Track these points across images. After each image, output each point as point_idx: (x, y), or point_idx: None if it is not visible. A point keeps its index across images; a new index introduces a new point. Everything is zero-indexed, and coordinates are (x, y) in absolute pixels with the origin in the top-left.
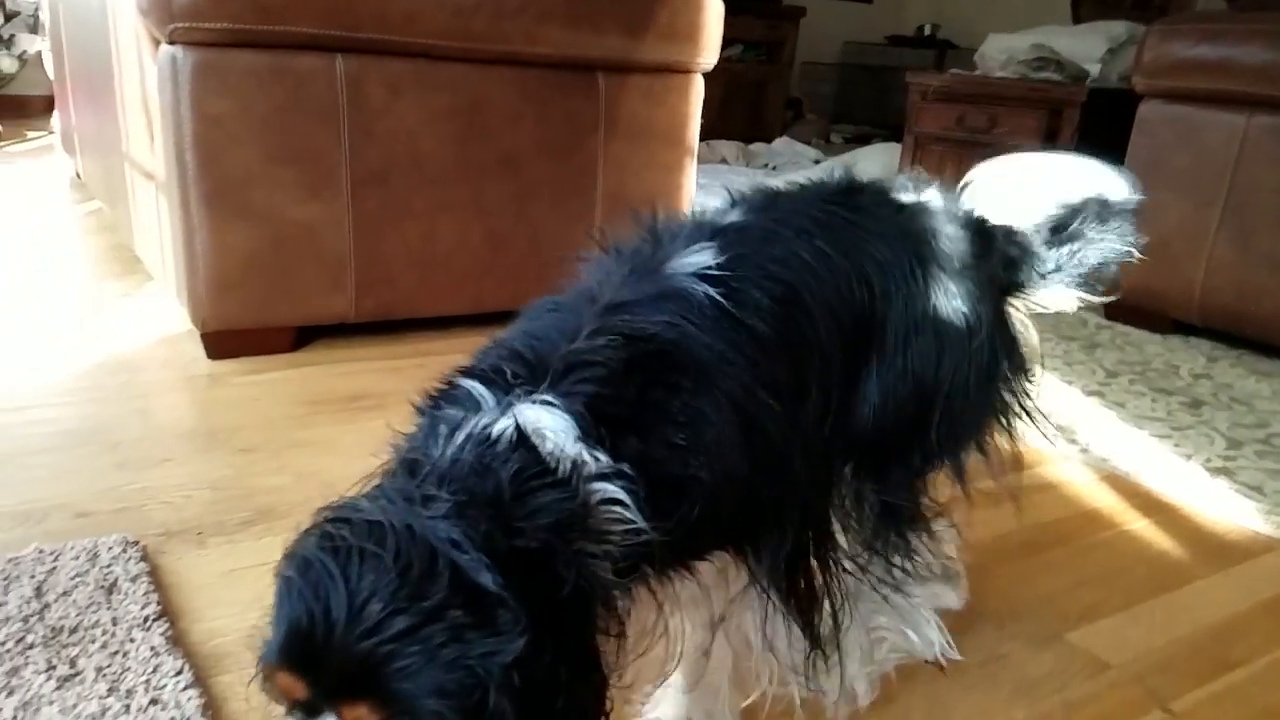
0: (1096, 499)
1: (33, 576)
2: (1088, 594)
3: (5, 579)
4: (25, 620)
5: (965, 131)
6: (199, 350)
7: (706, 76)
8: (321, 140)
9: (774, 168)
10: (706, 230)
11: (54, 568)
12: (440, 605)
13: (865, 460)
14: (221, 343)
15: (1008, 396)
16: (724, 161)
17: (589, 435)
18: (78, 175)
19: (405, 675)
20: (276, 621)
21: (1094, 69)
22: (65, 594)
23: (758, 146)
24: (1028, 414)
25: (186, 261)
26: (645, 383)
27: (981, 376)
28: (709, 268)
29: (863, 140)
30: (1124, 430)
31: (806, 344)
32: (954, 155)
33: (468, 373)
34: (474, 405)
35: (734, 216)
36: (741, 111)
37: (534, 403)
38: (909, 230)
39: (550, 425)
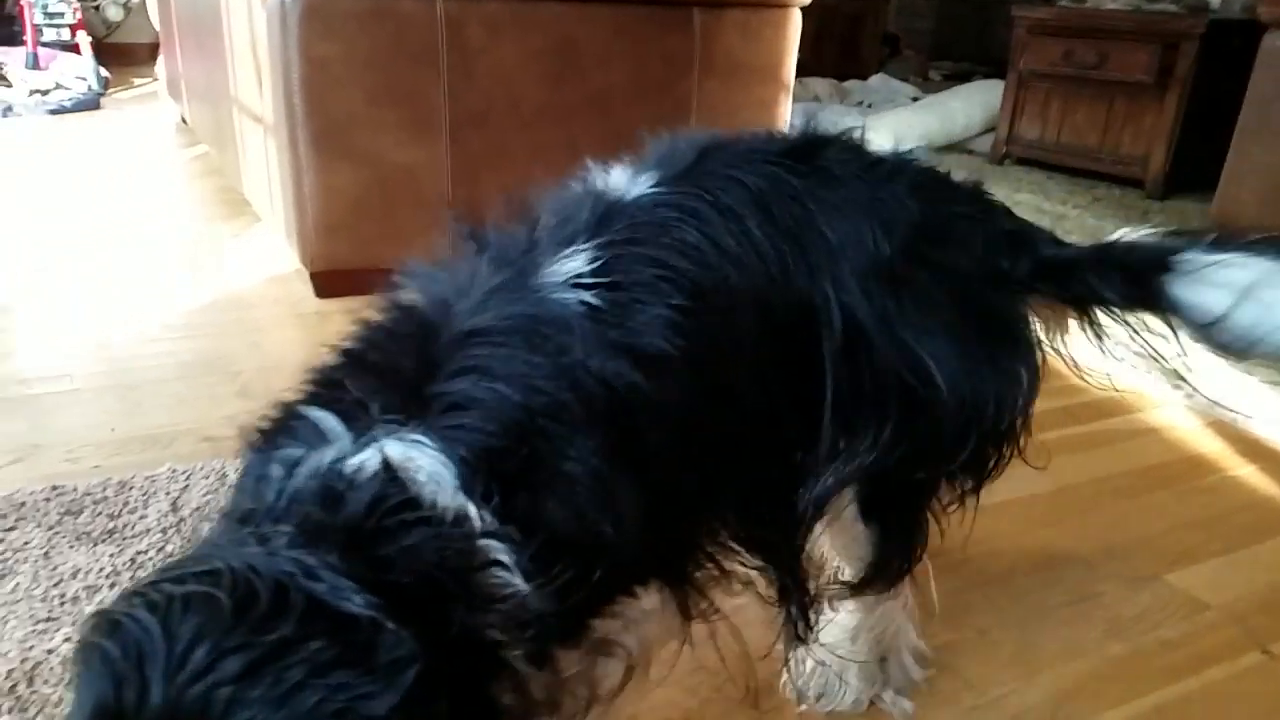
0: (1201, 444)
1: (168, 493)
2: (1188, 537)
3: (144, 494)
4: (164, 531)
5: (1073, 67)
6: (307, 289)
7: (801, 11)
8: (422, 82)
9: (869, 105)
10: (596, 214)
11: (186, 485)
12: (293, 638)
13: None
14: (329, 282)
15: (1012, 411)
16: (817, 99)
17: (473, 488)
18: (183, 120)
19: None
20: (79, 704)
21: None
22: (198, 509)
23: (852, 84)
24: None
25: (295, 203)
26: (531, 438)
27: (979, 380)
28: (583, 276)
29: (963, 77)
30: (1232, 376)
31: (722, 356)
32: (1060, 93)
33: (311, 398)
34: (320, 439)
35: (640, 188)
36: (835, 47)
37: (402, 440)
38: (879, 196)
39: (426, 468)
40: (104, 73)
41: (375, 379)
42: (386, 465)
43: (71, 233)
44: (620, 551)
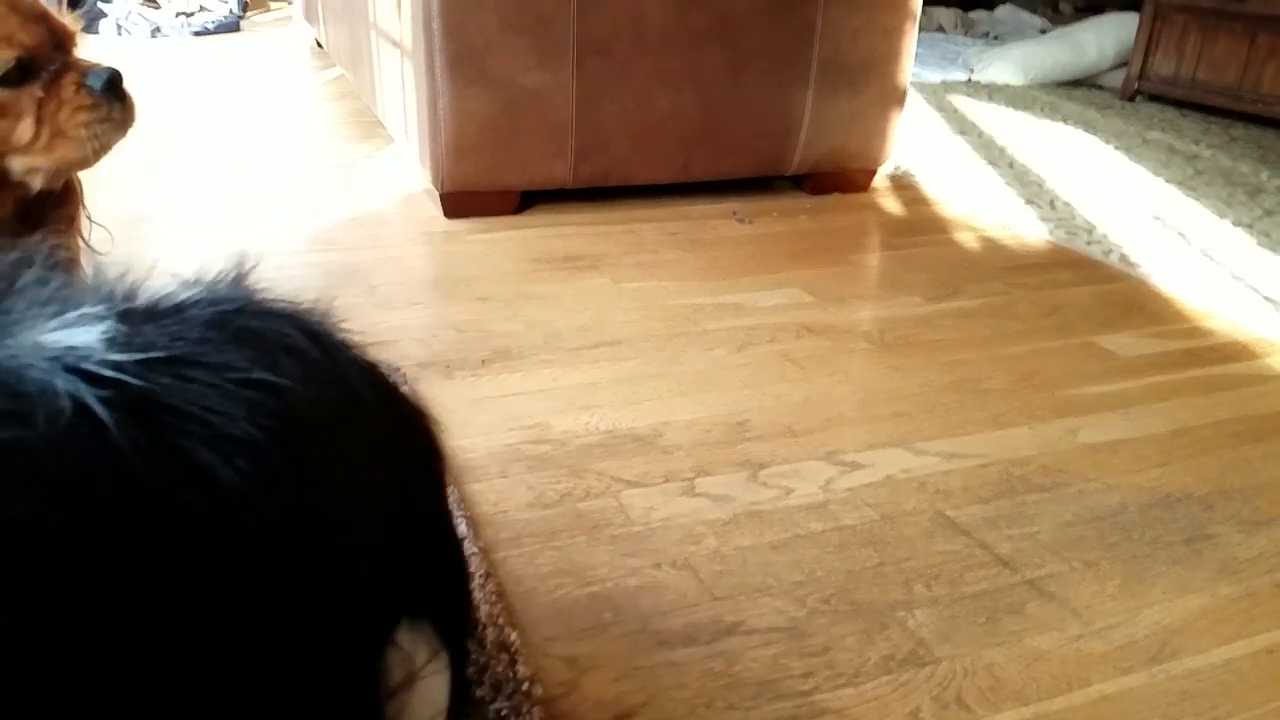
0: None
1: None
2: None
3: None
4: None
5: (1213, 0)
6: (436, 209)
7: None
8: (553, 7)
9: (995, 37)
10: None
11: None
12: None
13: None
14: (456, 203)
15: None
16: (940, 30)
17: None
18: (318, 44)
19: None
20: None
21: None
22: None
23: (978, 14)
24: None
25: (430, 126)
26: None
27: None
28: (93, 356)
29: (1094, 9)
30: None
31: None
32: (1199, 27)
33: None
34: None
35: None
36: None
37: None
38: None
39: None
40: None
41: None
42: None
43: (214, 149)
44: None
